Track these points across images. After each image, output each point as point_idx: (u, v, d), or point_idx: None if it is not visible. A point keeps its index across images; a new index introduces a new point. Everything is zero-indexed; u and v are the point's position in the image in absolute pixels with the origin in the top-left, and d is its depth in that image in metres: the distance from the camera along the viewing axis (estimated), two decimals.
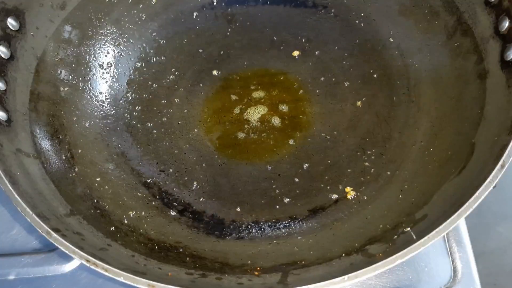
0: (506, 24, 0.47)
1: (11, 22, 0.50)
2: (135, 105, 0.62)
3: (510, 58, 0.46)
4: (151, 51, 0.63)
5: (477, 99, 0.49)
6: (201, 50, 0.66)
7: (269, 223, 0.55)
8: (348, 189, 0.56)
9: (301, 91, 0.63)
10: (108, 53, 0.61)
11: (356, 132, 0.60)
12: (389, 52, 0.61)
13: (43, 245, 0.58)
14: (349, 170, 0.58)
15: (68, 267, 0.55)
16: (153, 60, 0.63)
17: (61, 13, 0.55)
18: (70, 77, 0.57)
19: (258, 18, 0.65)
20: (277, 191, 0.57)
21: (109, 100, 0.61)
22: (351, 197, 0.55)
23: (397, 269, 0.56)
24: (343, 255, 0.45)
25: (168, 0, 0.64)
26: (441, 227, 0.40)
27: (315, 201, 0.56)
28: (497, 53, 0.48)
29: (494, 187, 0.41)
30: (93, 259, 0.40)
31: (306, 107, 0.62)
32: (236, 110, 0.63)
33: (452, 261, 0.56)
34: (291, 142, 0.61)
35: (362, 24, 0.63)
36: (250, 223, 0.55)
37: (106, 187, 0.54)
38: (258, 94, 0.63)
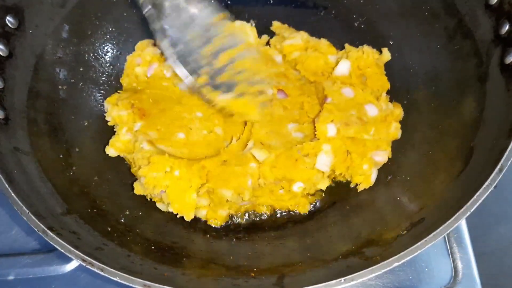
0: (506, 27, 0.46)
1: (10, 20, 0.49)
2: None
3: (510, 61, 0.46)
4: None
5: (477, 103, 0.49)
6: None
7: (267, 224, 0.55)
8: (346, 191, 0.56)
9: None
10: (107, 52, 0.61)
11: None
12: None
13: (42, 245, 0.58)
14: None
15: (67, 267, 0.55)
16: None
17: (61, 11, 0.55)
18: (69, 76, 0.57)
19: (259, 17, 0.65)
20: None
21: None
22: (349, 200, 0.55)
23: (398, 270, 0.56)
24: (340, 257, 0.45)
25: None
26: (438, 230, 0.40)
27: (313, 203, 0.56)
28: (497, 56, 0.47)
29: (495, 187, 0.41)
30: (89, 259, 0.40)
31: None
32: None
33: (453, 262, 0.56)
34: None
35: (362, 26, 0.63)
36: (247, 224, 0.55)
37: (103, 186, 0.54)
38: None
